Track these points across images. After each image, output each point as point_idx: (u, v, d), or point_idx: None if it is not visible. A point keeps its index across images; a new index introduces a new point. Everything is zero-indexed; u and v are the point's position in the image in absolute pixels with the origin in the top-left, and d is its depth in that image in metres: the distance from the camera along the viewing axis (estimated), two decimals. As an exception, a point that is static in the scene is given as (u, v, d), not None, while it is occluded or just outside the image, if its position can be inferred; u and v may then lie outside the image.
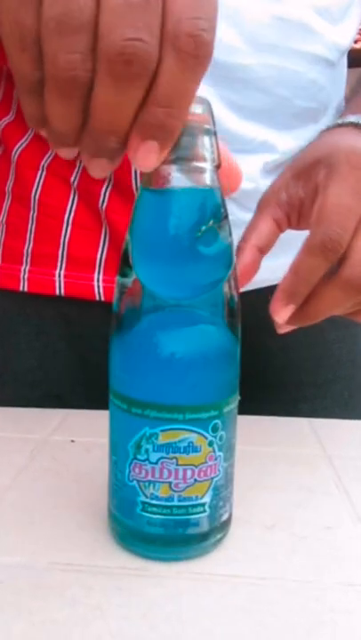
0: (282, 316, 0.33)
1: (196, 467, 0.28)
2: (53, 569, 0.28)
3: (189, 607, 0.26)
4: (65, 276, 0.50)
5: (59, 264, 0.50)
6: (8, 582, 0.27)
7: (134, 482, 0.28)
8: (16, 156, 0.51)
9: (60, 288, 0.50)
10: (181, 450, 0.27)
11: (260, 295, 0.52)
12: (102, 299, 0.50)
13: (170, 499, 0.28)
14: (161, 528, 0.28)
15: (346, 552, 0.31)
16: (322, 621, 0.25)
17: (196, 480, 0.28)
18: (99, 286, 0.50)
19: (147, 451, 0.27)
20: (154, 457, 0.27)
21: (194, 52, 0.21)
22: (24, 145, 0.51)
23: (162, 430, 0.27)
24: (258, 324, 0.54)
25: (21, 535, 0.31)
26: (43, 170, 0.50)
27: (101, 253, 0.50)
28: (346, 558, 0.30)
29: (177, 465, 0.27)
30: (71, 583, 0.27)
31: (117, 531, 0.30)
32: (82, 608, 0.26)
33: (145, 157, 0.23)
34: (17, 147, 0.51)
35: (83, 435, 0.45)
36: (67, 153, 0.25)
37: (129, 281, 0.28)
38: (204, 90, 0.26)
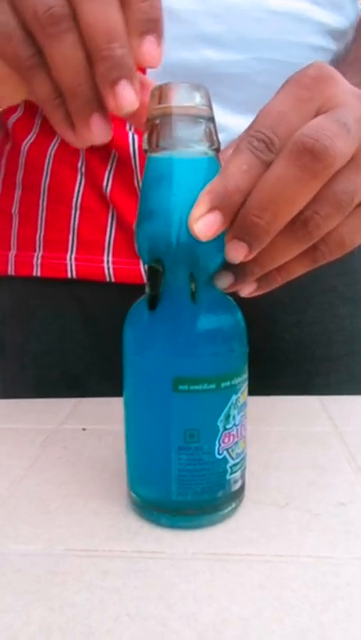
0: (208, 229, 0.26)
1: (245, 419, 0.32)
2: (70, 555, 0.29)
3: (206, 586, 0.26)
4: (76, 259, 0.51)
5: (69, 248, 0.52)
6: (26, 570, 0.28)
7: (224, 453, 0.30)
8: (25, 149, 0.52)
9: (71, 271, 0.51)
10: (245, 405, 0.32)
11: None
12: (112, 280, 0.51)
13: (243, 451, 0.32)
14: (240, 480, 0.32)
15: (360, 527, 0.31)
16: (338, 596, 0.25)
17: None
18: (109, 268, 0.51)
19: (233, 417, 0.30)
20: (238, 418, 0.31)
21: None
22: (33, 138, 0.52)
23: (242, 391, 0.31)
24: (271, 300, 0.54)
25: (37, 524, 0.31)
26: (51, 157, 0.51)
27: (110, 236, 0.51)
28: (360, 533, 0.30)
29: (245, 418, 0.32)
30: (88, 568, 0.28)
31: (197, 514, 0.31)
32: (99, 592, 0.26)
33: None
34: (26, 140, 0.53)
35: (93, 422, 0.45)
36: (72, 138, 0.27)
37: None
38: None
